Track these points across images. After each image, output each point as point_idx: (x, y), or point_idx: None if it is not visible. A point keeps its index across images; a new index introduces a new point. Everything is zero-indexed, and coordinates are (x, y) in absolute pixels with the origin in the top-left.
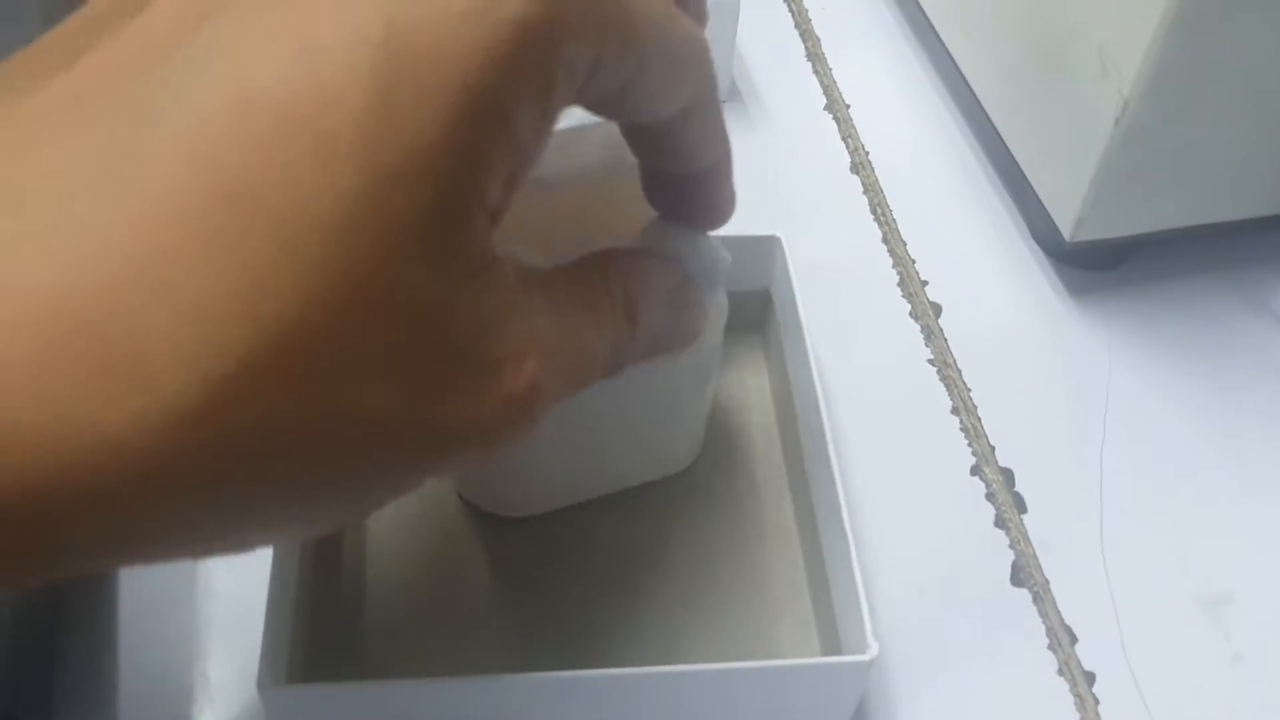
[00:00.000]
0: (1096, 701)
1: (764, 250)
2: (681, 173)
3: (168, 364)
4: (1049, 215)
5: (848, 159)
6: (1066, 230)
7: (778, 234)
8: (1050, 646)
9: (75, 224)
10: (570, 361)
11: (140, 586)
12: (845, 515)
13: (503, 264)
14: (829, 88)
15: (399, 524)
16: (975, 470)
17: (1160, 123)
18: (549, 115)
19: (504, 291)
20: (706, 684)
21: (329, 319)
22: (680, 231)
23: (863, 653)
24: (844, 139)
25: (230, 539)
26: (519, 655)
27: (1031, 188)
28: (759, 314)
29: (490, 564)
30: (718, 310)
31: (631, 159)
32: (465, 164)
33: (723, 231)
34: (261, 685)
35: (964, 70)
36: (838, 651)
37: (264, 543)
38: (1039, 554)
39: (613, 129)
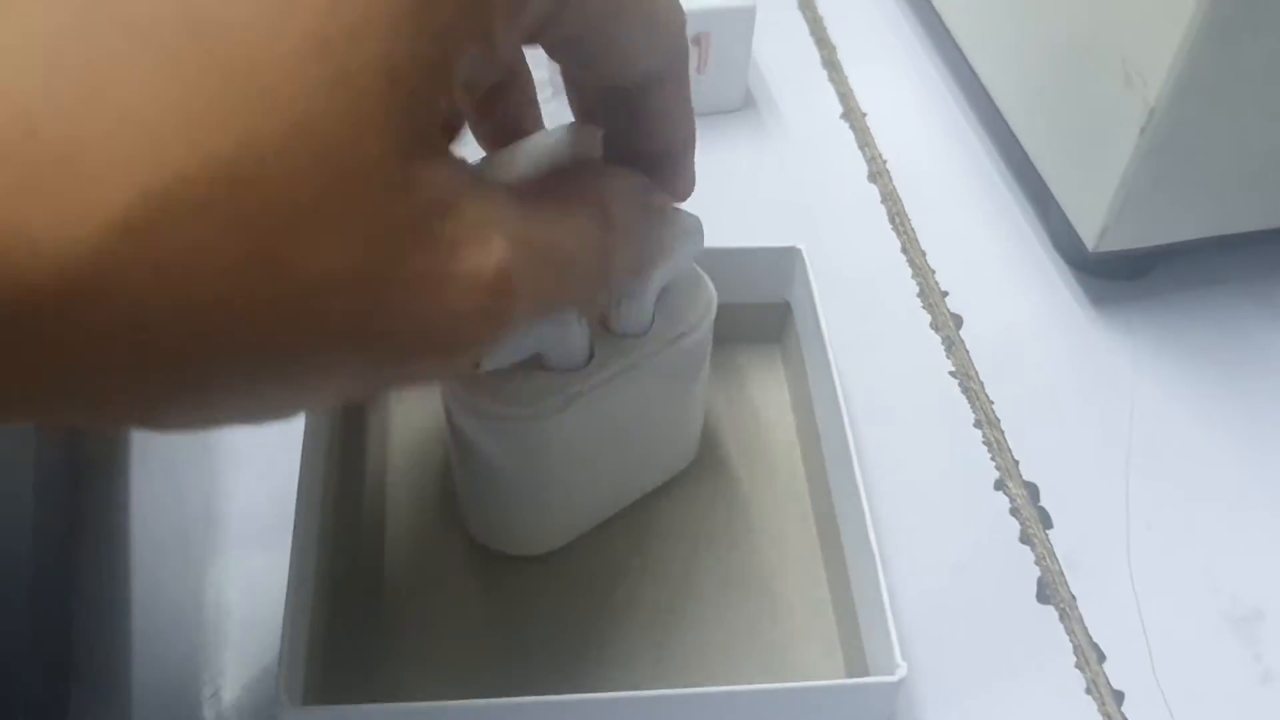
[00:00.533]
0: None
1: (783, 261)
2: (646, 150)
3: (102, 171)
4: (1071, 225)
5: (865, 168)
6: (1090, 240)
7: (798, 245)
8: (1078, 664)
9: (17, 30)
10: (545, 258)
11: (151, 604)
12: (871, 532)
13: (462, 161)
14: (845, 96)
15: (417, 548)
16: (999, 485)
17: (1186, 132)
18: (520, 23)
19: (464, 176)
20: (733, 706)
21: (274, 157)
22: None
23: (890, 673)
24: (861, 148)
25: (172, 399)
26: (539, 678)
27: (1053, 197)
28: (777, 326)
29: (512, 587)
30: (706, 299)
31: (595, 155)
32: (432, 33)
33: (741, 243)
34: (281, 706)
35: (983, 79)
36: (864, 671)
37: (205, 418)
38: (1065, 570)
39: (575, 130)
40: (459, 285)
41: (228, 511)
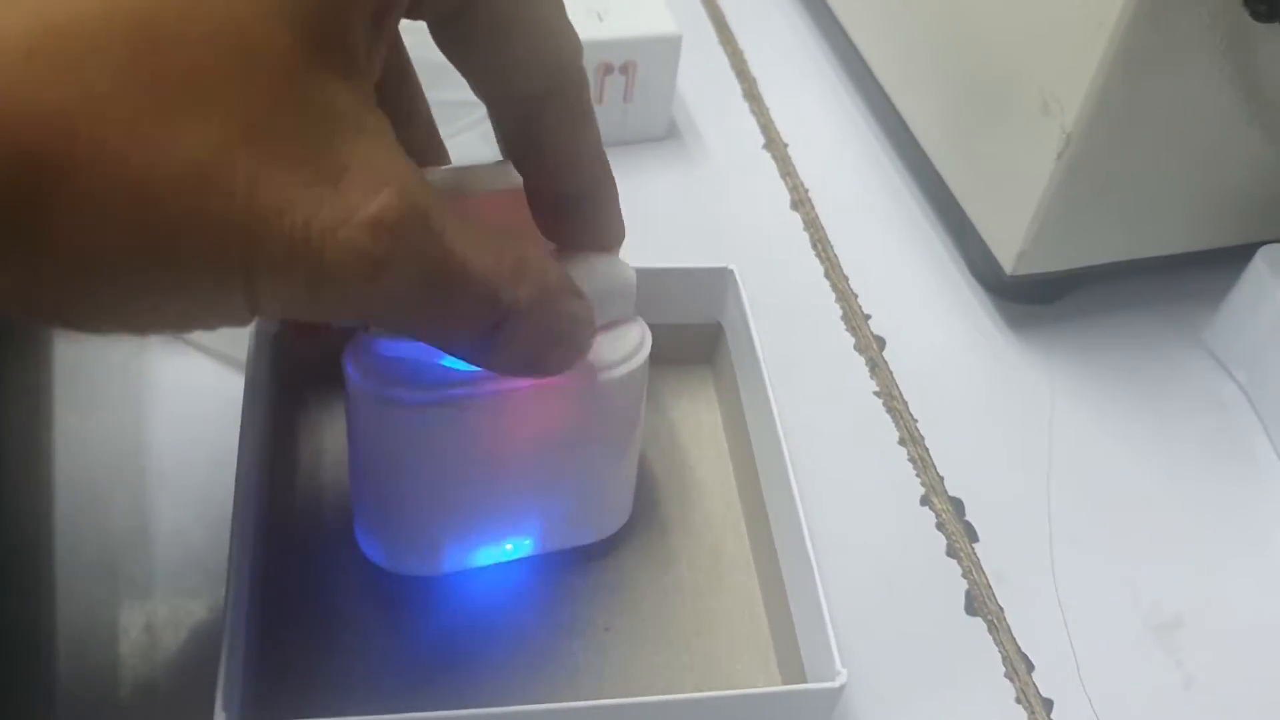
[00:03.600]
0: None
1: (715, 282)
2: (561, 189)
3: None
4: (989, 250)
5: (788, 196)
6: (1008, 264)
7: (730, 266)
8: (1007, 674)
9: None
10: (436, 260)
11: (77, 624)
12: (808, 540)
13: (383, 115)
14: (767, 127)
15: (345, 573)
16: (925, 500)
17: (1101, 156)
18: None
19: (379, 122)
20: (675, 716)
21: (178, 19)
22: (575, 254)
23: (831, 680)
24: (783, 177)
25: (42, 254)
26: (476, 697)
27: (971, 224)
28: (708, 347)
29: (449, 606)
30: (640, 340)
31: (517, 183)
32: None
33: (672, 264)
34: None
35: (901, 110)
36: (800, 682)
37: (74, 297)
38: (993, 583)
39: (504, 167)
40: (334, 212)
41: (156, 533)
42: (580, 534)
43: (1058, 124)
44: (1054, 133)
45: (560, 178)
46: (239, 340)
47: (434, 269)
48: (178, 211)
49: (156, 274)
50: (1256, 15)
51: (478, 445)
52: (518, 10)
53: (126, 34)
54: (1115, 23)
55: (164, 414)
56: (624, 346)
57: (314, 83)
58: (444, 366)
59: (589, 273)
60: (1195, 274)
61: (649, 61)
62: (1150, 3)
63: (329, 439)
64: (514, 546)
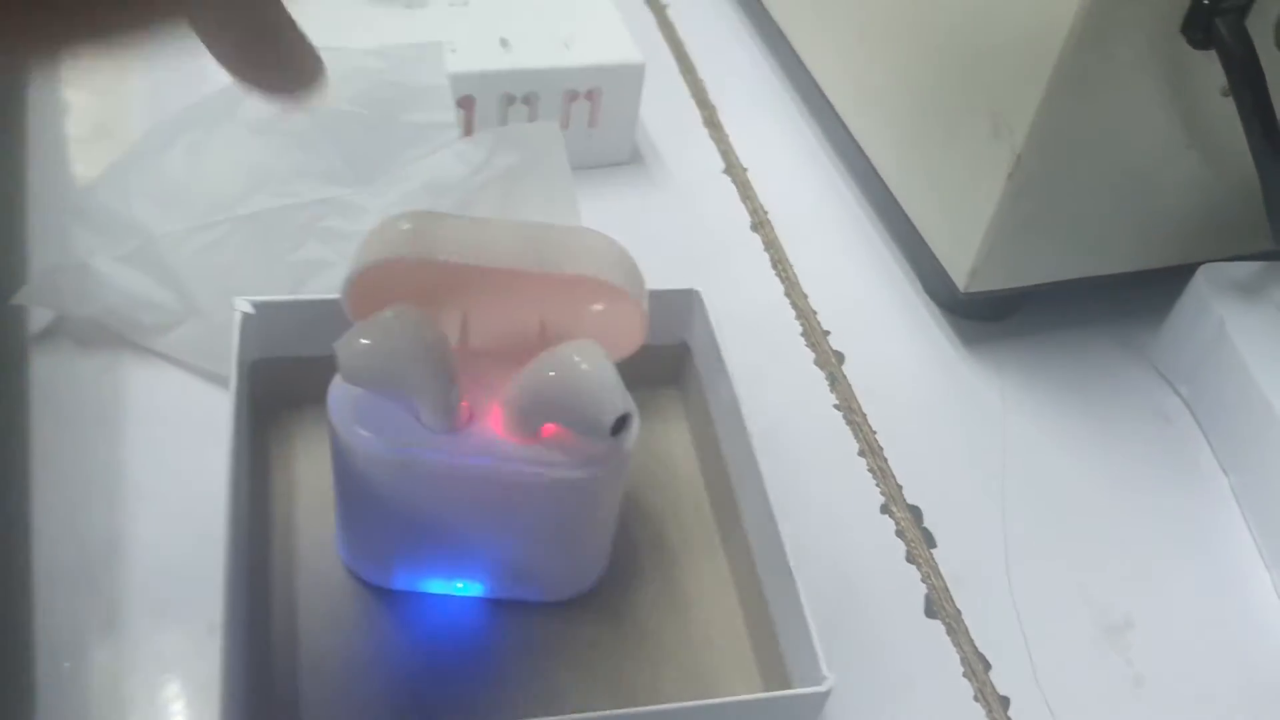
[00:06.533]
0: None
1: (681, 303)
2: None
3: None
4: (943, 269)
5: (747, 219)
6: (961, 281)
7: (696, 287)
8: (966, 674)
9: None
10: None
11: (55, 638)
12: (789, 551)
13: None
14: (726, 152)
15: (328, 593)
16: (884, 509)
17: (1049, 176)
18: None
19: None
20: None
21: None
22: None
23: (818, 684)
24: (743, 200)
25: None
26: (465, 711)
27: (925, 244)
28: (674, 367)
29: (436, 626)
30: (617, 450)
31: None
32: None
33: None
34: None
35: (856, 135)
36: (784, 689)
37: None
38: (951, 586)
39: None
40: None
41: (133, 547)
42: (533, 591)
43: (1008, 145)
44: (1004, 154)
45: None
46: (214, 353)
47: None
48: None
49: None
50: (1193, 42)
51: (436, 496)
52: None
53: None
54: (1060, 48)
55: (139, 427)
56: (600, 450)
57: None
58: (391, 415)
59: (571, 371)
60: (1139, 292)
61: (613, 88)
62: (1093, 30)
63: (303, 462)
64: (464, 585)
